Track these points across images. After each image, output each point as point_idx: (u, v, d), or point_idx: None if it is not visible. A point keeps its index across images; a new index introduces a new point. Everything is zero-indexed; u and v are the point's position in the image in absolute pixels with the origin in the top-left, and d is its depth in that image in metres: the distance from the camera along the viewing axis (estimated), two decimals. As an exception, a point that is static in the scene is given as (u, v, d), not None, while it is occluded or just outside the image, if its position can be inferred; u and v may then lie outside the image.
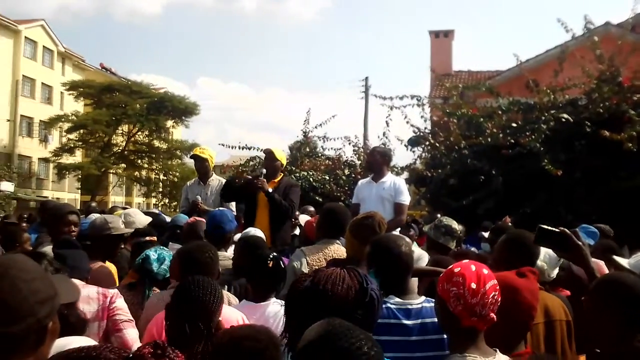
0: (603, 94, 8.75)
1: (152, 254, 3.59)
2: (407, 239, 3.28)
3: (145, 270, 3.54)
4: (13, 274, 1.40)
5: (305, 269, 3.56)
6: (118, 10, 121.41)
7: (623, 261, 4.06)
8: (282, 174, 6.45)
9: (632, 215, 8.00)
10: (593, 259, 4.22)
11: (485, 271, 2.16)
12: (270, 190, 6.00)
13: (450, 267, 2.23)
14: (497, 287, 2.14)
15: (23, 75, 38.74)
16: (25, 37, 39.15)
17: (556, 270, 3.65)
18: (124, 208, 6.95)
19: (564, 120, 8.82)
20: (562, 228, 2.88)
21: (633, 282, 2.30)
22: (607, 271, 4.04)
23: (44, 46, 41.22)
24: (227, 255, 4.19)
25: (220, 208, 5.67)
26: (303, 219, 5.25)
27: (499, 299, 2.14)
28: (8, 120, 37.10)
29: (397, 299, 2.70)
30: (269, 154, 6.41)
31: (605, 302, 2.25)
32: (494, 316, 2.11)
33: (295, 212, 6.03)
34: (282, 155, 6.56)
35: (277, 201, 5.94)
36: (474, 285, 2.09)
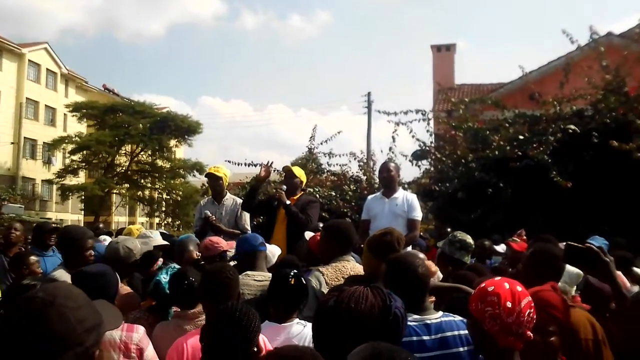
0: (609, 104, 8.73)
1: (163, 277, 3.52)
2: (422, 256, 3.24)
3: (161, 295, 3.47)
4: (60, 302, 1.38)
5: (325, 289, 3.50)
6: (121, 32, 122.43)
7: (643, 273, 4.02)
8: (302, 192, 6.41)
9: (643, 225, 7.94)
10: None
11: (519, 288, 2.12)
12: (288, 202, 5.98)
13: (483, 285, 2.18)
14: (532, 304, 2.10)
15: (27, 98, 38.98)
16: (29, 60, 39.48)
17: (574, 289, 3.61)
18: None
19: (571, 131, 8.78)
20: (587, 244, 2.81)
21: None
22: (625, 281, 3.99)
23: (47, 69, 41.51)
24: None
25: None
26: (307, 234, 5.24)
27: (535, 316, 2.09)
28: (12, 143, 37.24)
29: (415, 316, 2.70)
30: (288, 171, 6.38)
31: None
32: (531, 334, 2.06)
33: (312, 226, 5.97)
34: (302, 173, 6.47)
35: (294, 213, 5.89)
36: (509, 304, 2.05)
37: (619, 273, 4.09)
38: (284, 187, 6.15)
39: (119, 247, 4.13)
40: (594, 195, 8.31)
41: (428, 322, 2.69)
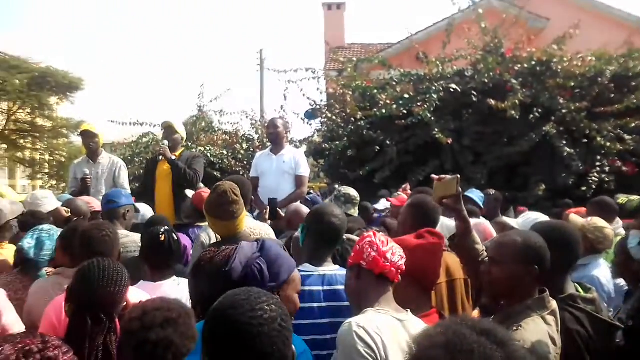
0: (487, 65, 9.17)
1: (27, 241, 3.37)
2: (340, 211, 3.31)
3: (24, 260, 3.33)
4: None
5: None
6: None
7: (512, 221, 4.36)
8: (183, 148, 6.37)
9: (516, 179, 8.55)
10: (481, 221, 4.50)
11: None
12: (173, 158, 5.91)
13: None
14: (401, 249, 2.32)
15: None
16: None
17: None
18: None
19: (452, 90, 9.17)
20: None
21: (535, 241, 2.37)
22: (492, 231, 4.30)
23: None
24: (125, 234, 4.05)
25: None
26: (190, 192, 5.23)
27: (404, 257, 2.30)
28: None
29: (309, 266, 2.79)
30: (169, 127, 6.26)
31: (514, 261, 2.32)
32: (403, 266, 2.26)
33: (199, 181, 5.95)
34: (182, 129, 6.43)
35: (180, 169, 5.83)
36: (383, 239, 2.30)
37: (487, 222, 4.43)
38: (166, 142, 6.08)
39: None
40: (472, 151, 8.81)
41: (322, 273, 2.77)
